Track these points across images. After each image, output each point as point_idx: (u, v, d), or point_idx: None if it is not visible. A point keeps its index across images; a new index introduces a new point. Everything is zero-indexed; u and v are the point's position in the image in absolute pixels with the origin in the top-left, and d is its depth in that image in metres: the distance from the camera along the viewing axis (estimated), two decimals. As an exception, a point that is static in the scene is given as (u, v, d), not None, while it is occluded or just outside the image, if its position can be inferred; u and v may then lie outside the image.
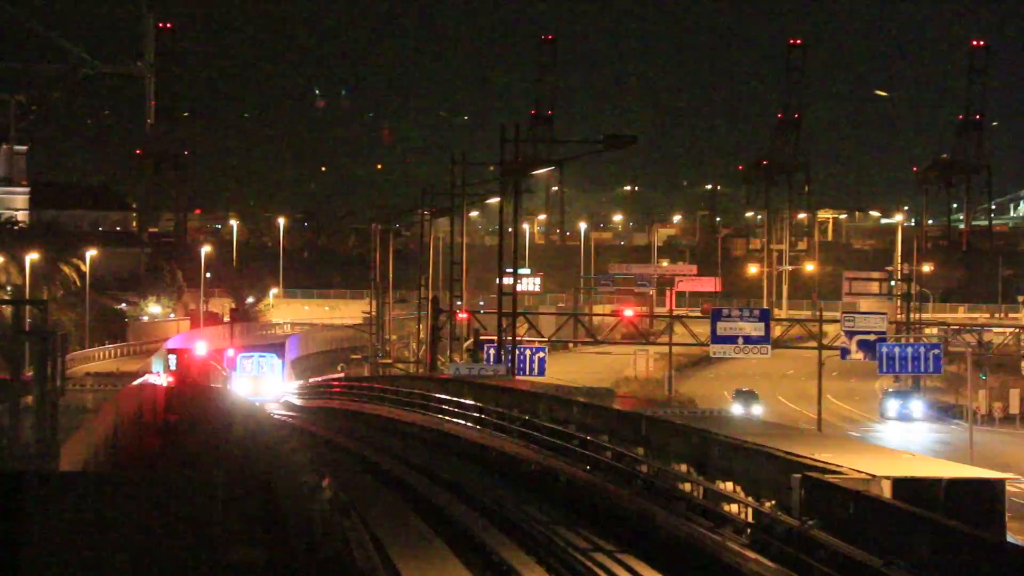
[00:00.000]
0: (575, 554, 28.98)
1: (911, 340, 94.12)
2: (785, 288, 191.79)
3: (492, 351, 74.39)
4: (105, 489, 18.72)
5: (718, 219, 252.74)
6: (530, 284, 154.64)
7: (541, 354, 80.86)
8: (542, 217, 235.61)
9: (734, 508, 26.32)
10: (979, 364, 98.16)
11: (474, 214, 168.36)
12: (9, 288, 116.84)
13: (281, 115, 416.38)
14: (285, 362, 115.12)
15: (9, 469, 24.88)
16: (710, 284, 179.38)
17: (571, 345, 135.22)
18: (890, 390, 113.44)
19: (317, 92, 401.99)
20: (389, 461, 47.34)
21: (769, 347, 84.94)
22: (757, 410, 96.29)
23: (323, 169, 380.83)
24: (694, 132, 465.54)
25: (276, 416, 65.90)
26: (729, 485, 27.11)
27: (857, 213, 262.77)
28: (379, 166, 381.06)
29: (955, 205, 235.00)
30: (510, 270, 72.76)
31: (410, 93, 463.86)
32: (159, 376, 75.96)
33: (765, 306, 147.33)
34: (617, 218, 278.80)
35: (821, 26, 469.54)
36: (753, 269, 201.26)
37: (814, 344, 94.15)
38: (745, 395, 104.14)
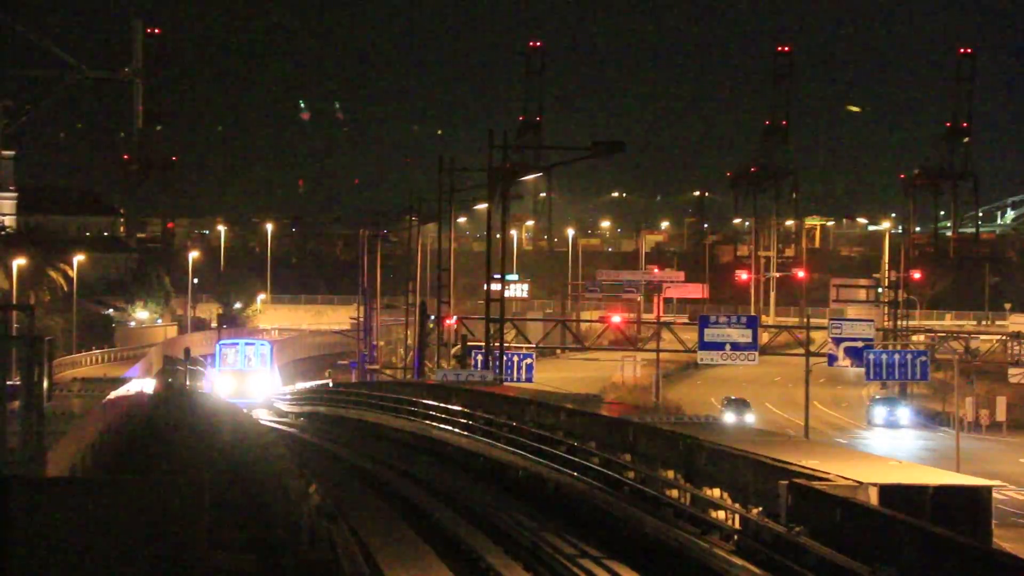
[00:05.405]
0: (562, 560, 28.96)
1: (898, 347, 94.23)
2: (772, 295, 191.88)
3: (480, 357, 74.38)
4: (92, 494, 18.70)
5: (706, 225, 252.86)
6: (518, 290, 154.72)
7: (529, 360, 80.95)
8: (530, 223, 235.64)
9: (721, 514, 26.31)
10: (966, 371, 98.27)
11: (462, 220, 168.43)
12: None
13: (270, 120, 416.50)
14: (274, 356, 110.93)
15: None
16: (698, 290, 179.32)
17: (559, 351, 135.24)
18: (877, 397, 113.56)
19: (301, 104, 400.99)
20: (376, 467, 47.29)
21: (757, 354, 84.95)
22: (750, 419, 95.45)
23: (303, 168, 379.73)
24: (682, 139, 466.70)
25: (263, 422, 65.56)
26: (716, 491, 27.11)
27: (844, 220, 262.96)
28: (358, 175, 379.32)
29: (942, 212, 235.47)
30: (498, 276, 72.76)
31: (400, 99, 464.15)
32: (143, 380, 75.55)
33: (753, 313, 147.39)
34: (605, 224, 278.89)
35: (809, 33, 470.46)
36: (743, 276, 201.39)
37: (801, 351, 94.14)
38: (736, 403, 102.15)
